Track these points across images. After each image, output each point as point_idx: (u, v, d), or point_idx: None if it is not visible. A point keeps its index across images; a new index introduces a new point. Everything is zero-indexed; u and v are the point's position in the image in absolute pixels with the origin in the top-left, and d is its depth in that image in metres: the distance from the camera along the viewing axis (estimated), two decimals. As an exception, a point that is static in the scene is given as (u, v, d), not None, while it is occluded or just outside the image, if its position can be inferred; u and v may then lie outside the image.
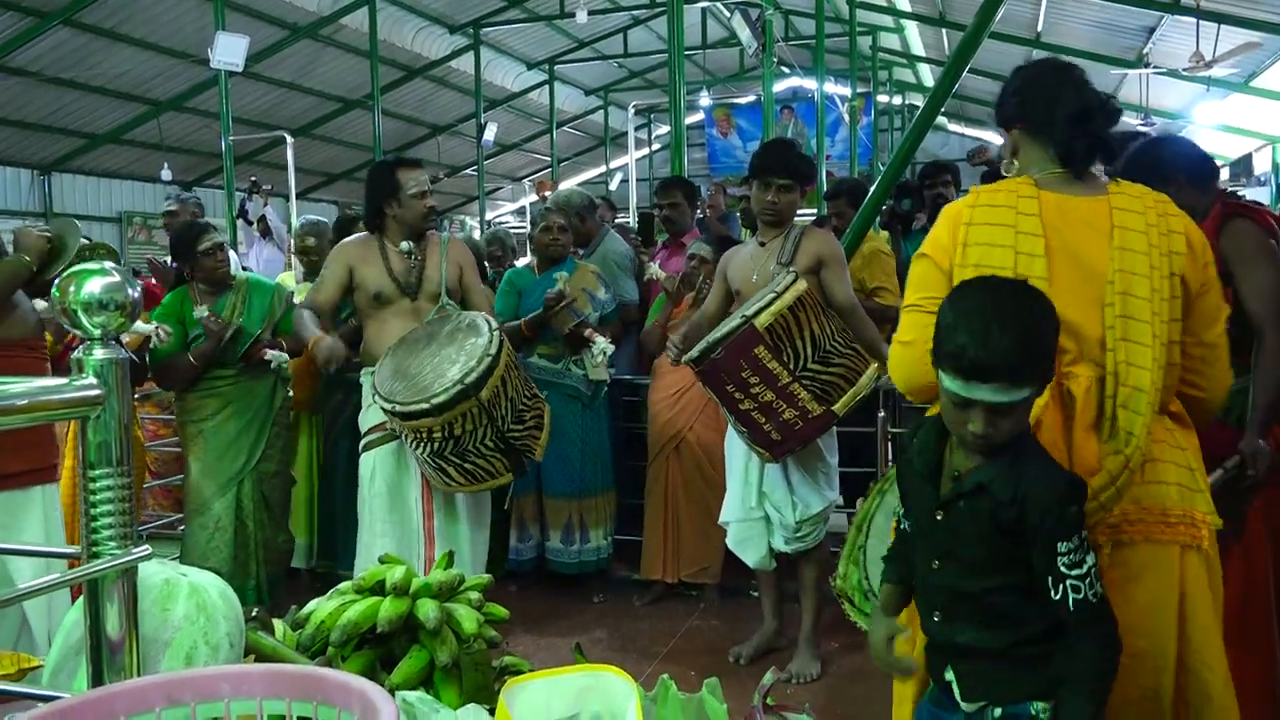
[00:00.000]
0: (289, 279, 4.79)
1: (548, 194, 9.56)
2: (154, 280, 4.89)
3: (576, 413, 4.21)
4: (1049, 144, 1.88)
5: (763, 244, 3.43)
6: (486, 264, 5.55)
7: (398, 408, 3.14)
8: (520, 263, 5.51)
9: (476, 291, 3.71)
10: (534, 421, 3.40)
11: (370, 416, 3.50)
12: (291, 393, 4.20)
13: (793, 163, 3.36)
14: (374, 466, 3.48)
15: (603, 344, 4.02)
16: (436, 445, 3.16)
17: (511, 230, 9.62)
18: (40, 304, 3.10)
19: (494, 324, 3.29)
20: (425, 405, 3.07)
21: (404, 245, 3.53)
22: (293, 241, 4.97)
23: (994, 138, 19.39)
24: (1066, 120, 1.85)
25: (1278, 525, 2.44)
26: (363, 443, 3.55)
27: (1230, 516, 2.31)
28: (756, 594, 3.75)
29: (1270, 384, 2.36)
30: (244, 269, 5.32)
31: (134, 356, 3.89)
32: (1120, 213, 1.81)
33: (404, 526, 3.46)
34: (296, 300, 4.17)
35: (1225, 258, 2.44)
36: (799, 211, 3.52)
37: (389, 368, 3.31)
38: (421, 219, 3.53)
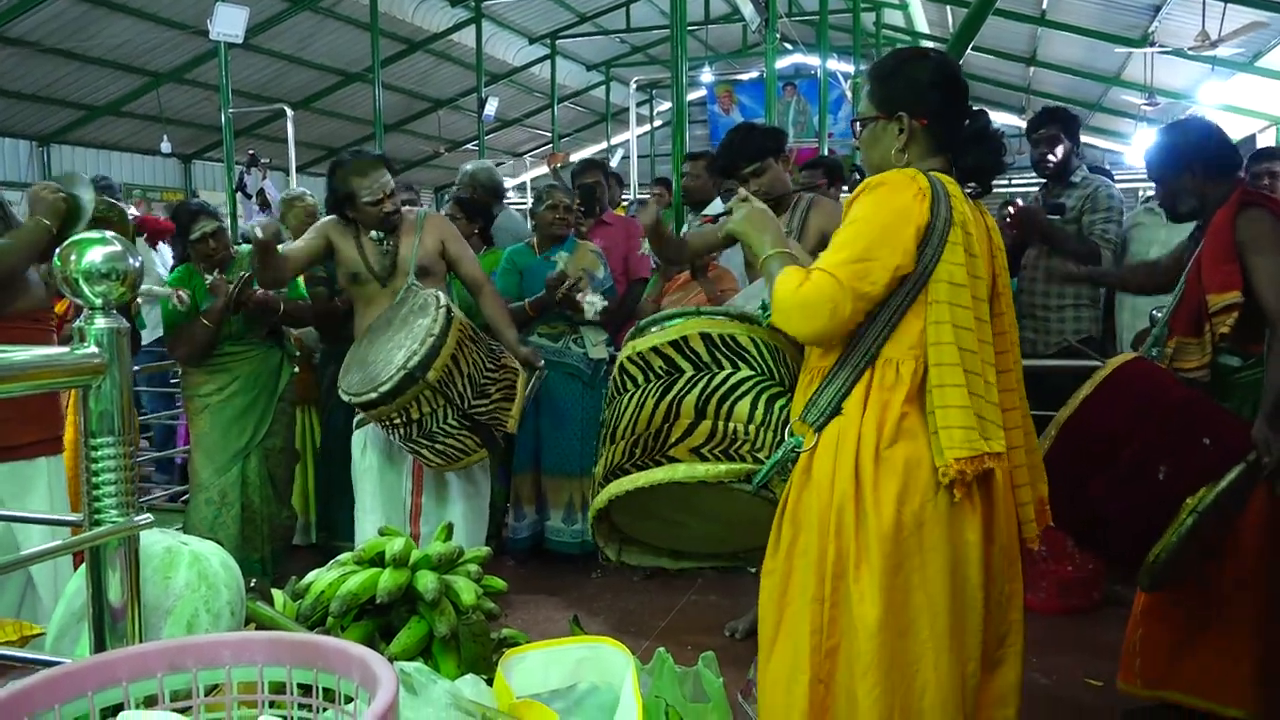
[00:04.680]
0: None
1: (557, 165, 9.53)
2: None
3: (577, 392, 4.22)
4: (949, 153, 1.94)
5: None
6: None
7: (353, 399, 3.14)
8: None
9: (465, 261, 3.67)
10: (500, 394, 3.34)
11: None
12: (297, 370, 4.20)
13: (747, 147, 3.30)
14: (365, 443, 3.50)
15: (594, 299, 4.03)
16: (401, 430, 3.17)
17: (514, 208, 9.55)
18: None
19: (443, 301, 3.21)
20: (374, 395, 3.06)
21: (374, 234, 3.52)
22: (281, 211, 4.94)
23: (998, 116, 19.27)
24: (989, 153, 1.95)
25: (1265, 507, 2.45)
26: (356, 419, 3.56)
27: (1240, 509, 2.33)
28: (754, 570, 3.76)
29: None
30: (244, 239, 5.30)
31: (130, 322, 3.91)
32: (993, 231, 1.97)
33: (393, 503, 3.48)
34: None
35: (1240, 246, 2.43)
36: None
37: (354, 358, 3.31)
38: (379, 224, 3.49)
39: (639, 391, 2.27)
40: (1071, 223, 3.88)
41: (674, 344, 2.26)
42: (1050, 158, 3.94)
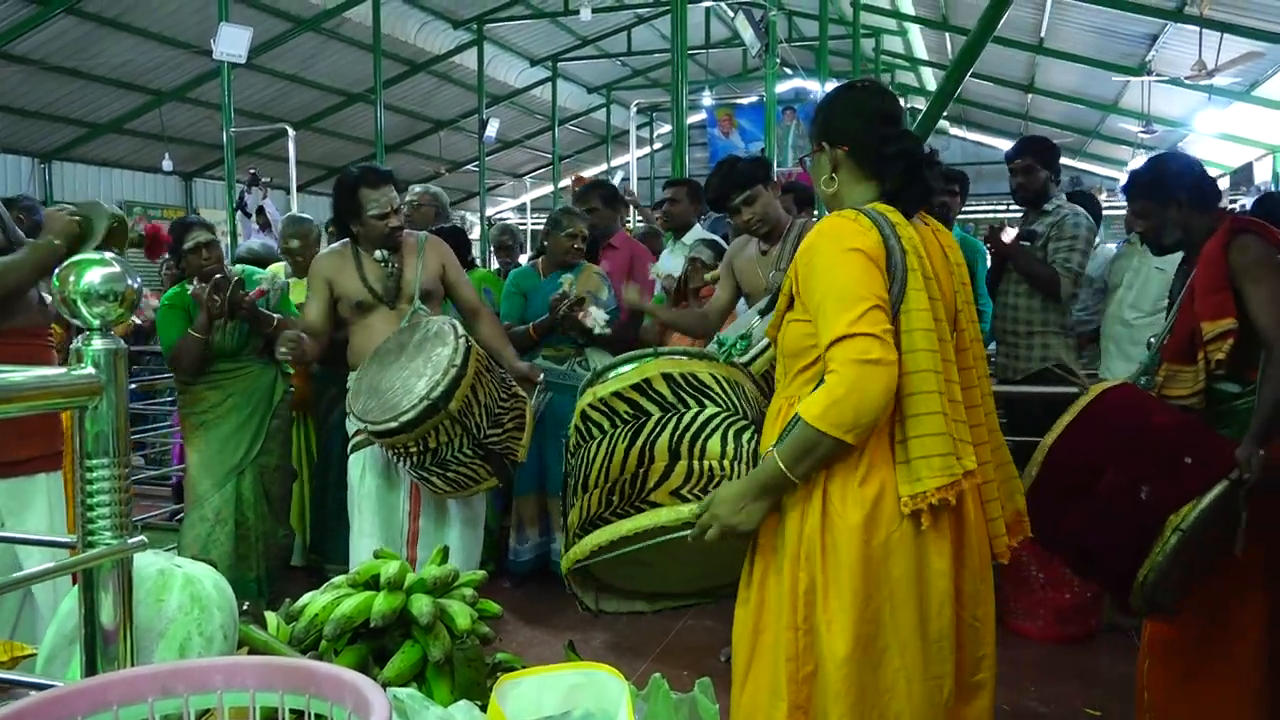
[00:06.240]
0: (280, 271, 4.77)
1: (578, 188, 9.57)
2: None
3: (582, 414, 4.21)
4: (878, 178, 1.92)
5: (765, 252, 3.43)
6: (494, 254, 5.58)
7: (370, 426, 3.12)
8: (521, 260, 5.52)
9: (463, 286, 3.68)
10: (513, 424, 3.34)
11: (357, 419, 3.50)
12: (293, 388, 4.19)
13: (734, 177, 3.31)
14: (363, 466, 3.48)
15: (596, 313, 4.05)
16: (415, 458, 3.15)
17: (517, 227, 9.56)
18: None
19: (460, 330, 3.21)
20: (394, 424, 3.04)
21: (378, 254, 3.51)
22: (278, 242, 4.93)
23: (996, 142, 19.40)
24: (910, 167, 1.91)
25: (1268, 536, 2.44)
26: (351, 444, 3.54)
27: (1229, 530, 2.32)
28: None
29: (1275, 396, 2.36)
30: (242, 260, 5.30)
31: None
32: (951, 249, 1.95)
33: (390, 527, 3.46)
34: (293, 295, 4.17)
35: (1234, 273, 2.45)
36: None
37: (362, 383, 3.28)
38: (383, 239, 3.48)
39: (606, 438, 2.24)
40: (1041, 249, 3.96)
41: (636, 387, 2.25)
42: (1024, 186, 4.06)
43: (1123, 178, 16.59)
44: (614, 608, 2.43)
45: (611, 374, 2.33)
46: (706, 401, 2.22)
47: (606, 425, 2.26)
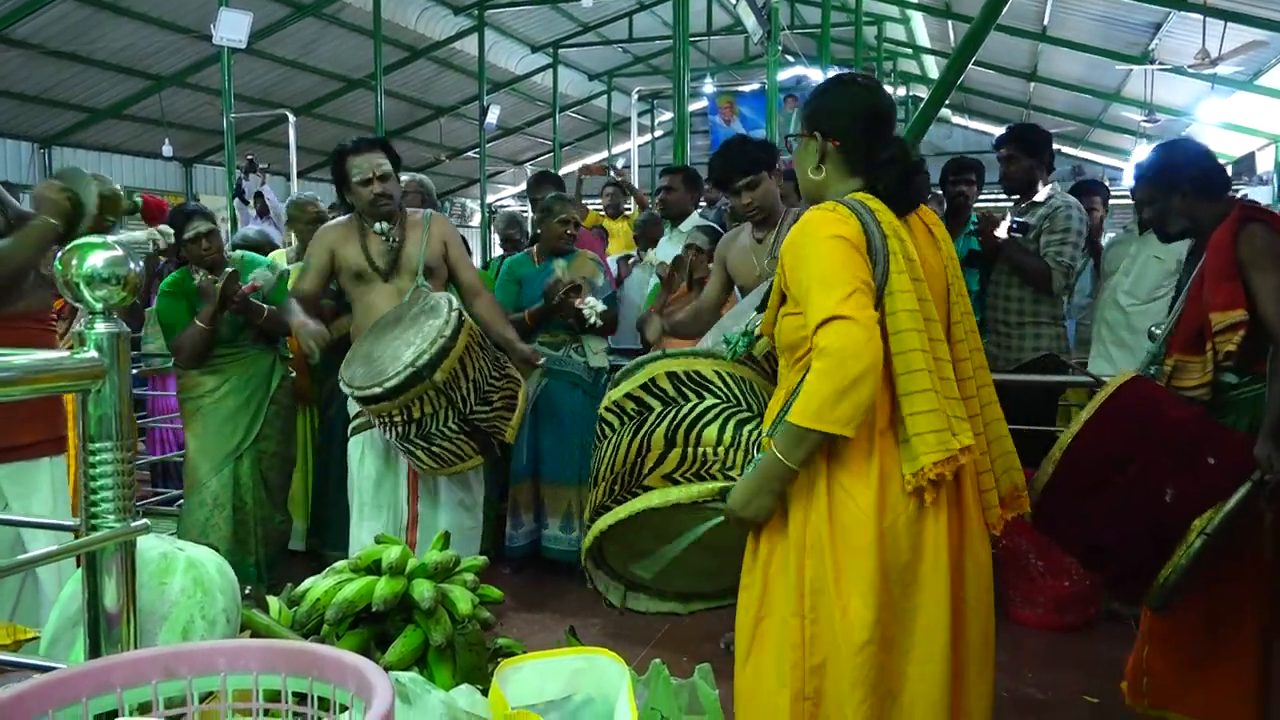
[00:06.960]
0: (281, 258, 4.76)
1: (588, 176, 9.56)
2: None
3: (578, 400, 4.21)
4: (864, 177, 1.94)
5: (760, 240, 3.42)
6: (500, 245, 5.57)
7: (355, 392, 3.13)
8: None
9: (465, 266, 3.68)
10: (503, 403, 3.33)
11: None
12: (294, 374, 4.19)
13: (741, 160, 3.30)
14: (363, 449, 3.48)
15: (592, 302, 4.06)
16: (400, 429, 3.15)
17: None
18: None
19: (455, 304, 3.21)
20: (378, 389, 3.04)
21: (378, 226, 3.51)
22: (288, 214, 4.90)
23: (999, 131, 19.35)
24: (901, 174, 1.92)
25: (1275, 533, 2.43)
26: (351, 426, 3.55)
27: (1244, 529, 2.32)
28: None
29: None
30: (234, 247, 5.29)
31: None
32: (939, 231, 1.98)
33: (391, 510, 3.46)
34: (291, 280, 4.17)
35: (1241, 262, 2.44)
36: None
37: (356, 353, 3.29)
38: (369, 205, 3.46)
39: (615, 435, 2.34)
40: (1033, 241, 3.92)
41: (643, 386, 2.34)
42: (1008, 176, 4.04)
43: (1125, 167, 16.58)
44: (644, 607, 2.48)
45: (624, 379, 2.44)
46: (706, 394, 2.28)
47: (616, 425, 2.36)
